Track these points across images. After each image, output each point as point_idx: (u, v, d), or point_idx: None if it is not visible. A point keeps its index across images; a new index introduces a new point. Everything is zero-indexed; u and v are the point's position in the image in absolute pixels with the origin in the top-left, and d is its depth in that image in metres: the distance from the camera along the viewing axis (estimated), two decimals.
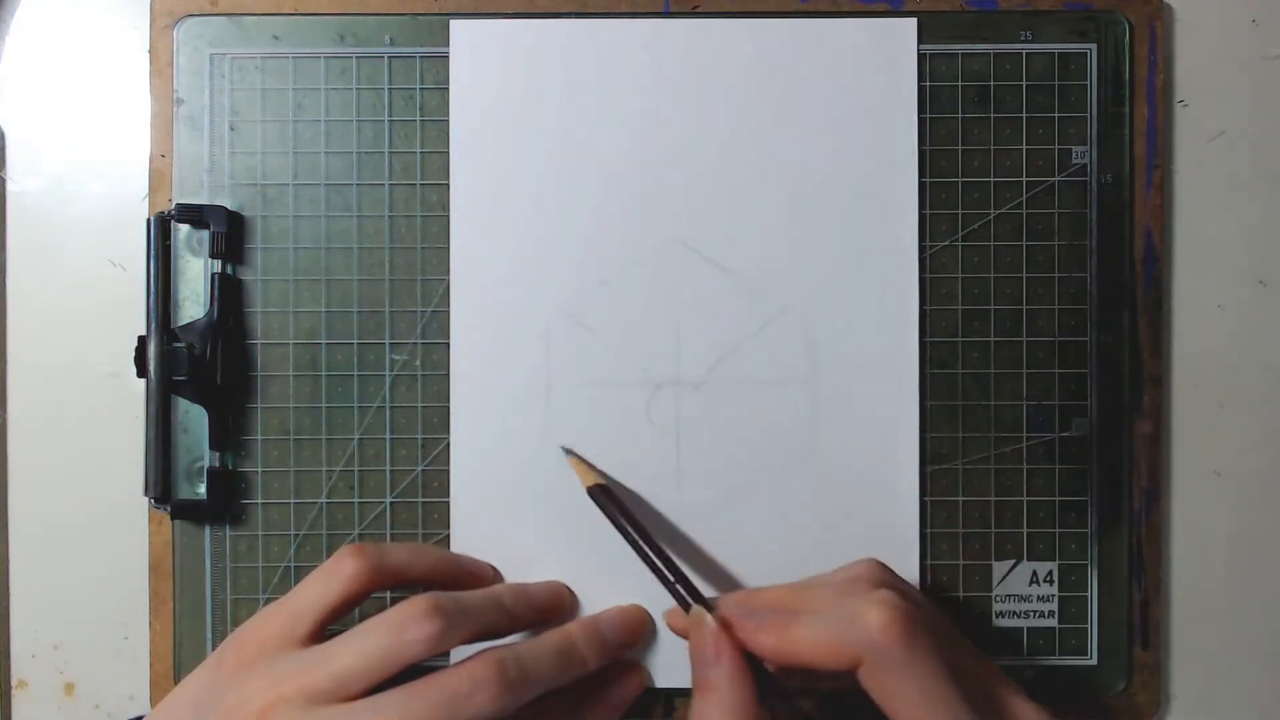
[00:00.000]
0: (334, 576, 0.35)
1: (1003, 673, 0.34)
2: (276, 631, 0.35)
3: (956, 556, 0.40)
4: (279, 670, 0.34)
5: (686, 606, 0.35)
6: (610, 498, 0.37)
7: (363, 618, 0.35)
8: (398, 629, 0.34)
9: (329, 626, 0.35)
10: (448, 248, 0.40)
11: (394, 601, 0.36)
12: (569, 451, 0.40)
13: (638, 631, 0.39)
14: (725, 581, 0.40)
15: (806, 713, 0.39)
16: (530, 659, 0.35)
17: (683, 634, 0.38)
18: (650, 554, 0.36)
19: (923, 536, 0.40)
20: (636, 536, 0.36)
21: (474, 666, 0.34)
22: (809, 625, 0.32)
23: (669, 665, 0.40)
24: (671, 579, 0.35)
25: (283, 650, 0.34)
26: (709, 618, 0.34)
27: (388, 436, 0.40)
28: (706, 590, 0.39)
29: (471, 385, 0.40)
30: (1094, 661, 0.40)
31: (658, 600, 0.40)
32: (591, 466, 0.40)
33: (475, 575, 0.39)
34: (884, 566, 0.36)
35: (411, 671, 0.34)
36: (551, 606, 0.39)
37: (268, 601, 0.40)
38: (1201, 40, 0.41)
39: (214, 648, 0.40)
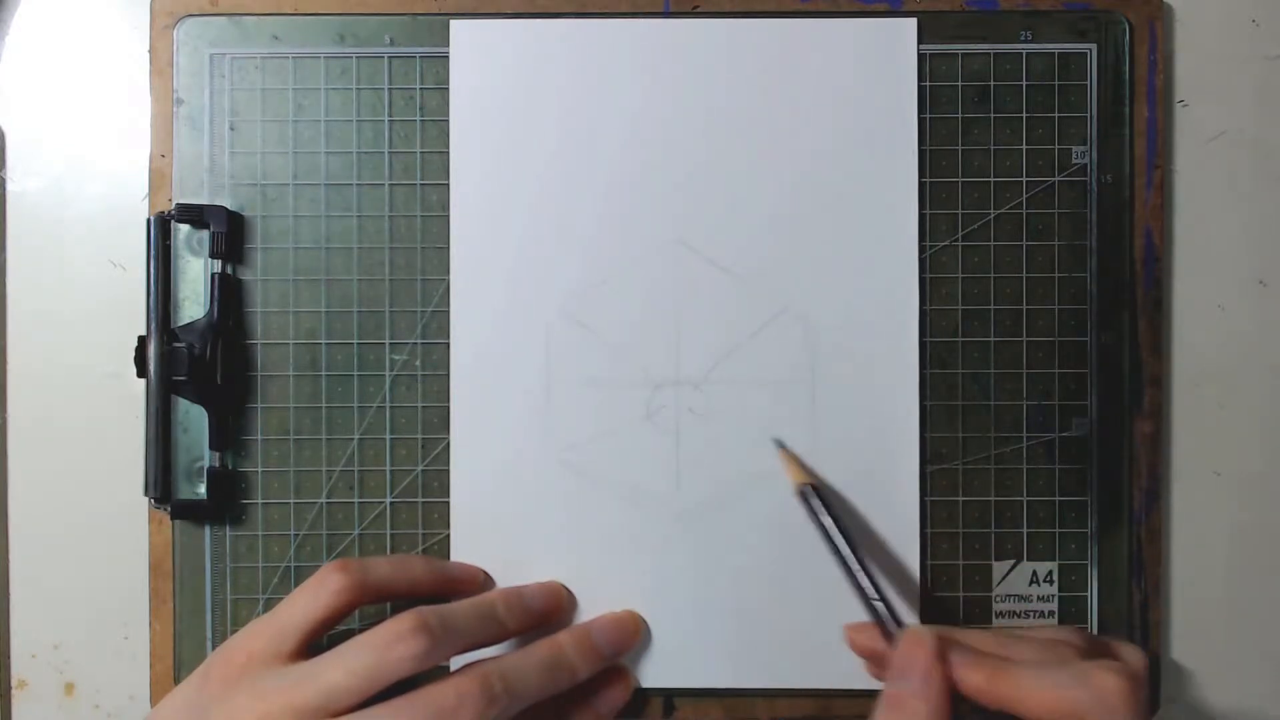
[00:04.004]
0: (319, 592, 0.35)
1: None
2: (262, 647, 0.35)
3: (956, 556, 0.40)
4: (266, 686, 0.34)
5: (886, 624, 0.35)
6: (822, 499, 0.37)
7: (364, 627, 0.35)
8: (384, 646, 0.34)
9: (314, 642, 0.35)
10: (448, 248, 0.40)
11: (394, 612, 0.36)
12: (780, 445, 0.39)
13: (631, 638, 0.39)
14: (726, 581, 0.40)
15: None
16: (517, 672, 0.35)
17: (865, 652, 0.38)
18: (859, 567, 0.35)
19: (923, 536, 0.40)
20: (847, 546, 0.36)
21: (460, 681, 0.34)
22: (1034, 673, 0.32)
23: (668, 665, 0.40)
24: (874, 596, 0.35)
25: (269, 666, 0.34)
26: (931, 639, 0.33)
27: (388, 436, 0.40)
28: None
29: (471, 385, 0.40)
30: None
31: (654, 603, 0.40)
32: (803, 465, 0.39)
33: (464, 583, 0.39)
34: (1084, 634, 0.36)
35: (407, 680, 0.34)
36: (548, 609, 0.39)
37: (268, 601, 0.40)
38: (1201, 40, 0.41)
39: (214, 648, 0.40)
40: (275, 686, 0.34)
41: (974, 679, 0.33)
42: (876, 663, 0.38)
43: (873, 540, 0.40)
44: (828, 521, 0.36)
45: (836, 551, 0.36)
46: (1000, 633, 0.36)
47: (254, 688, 0.34)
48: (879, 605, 0.35)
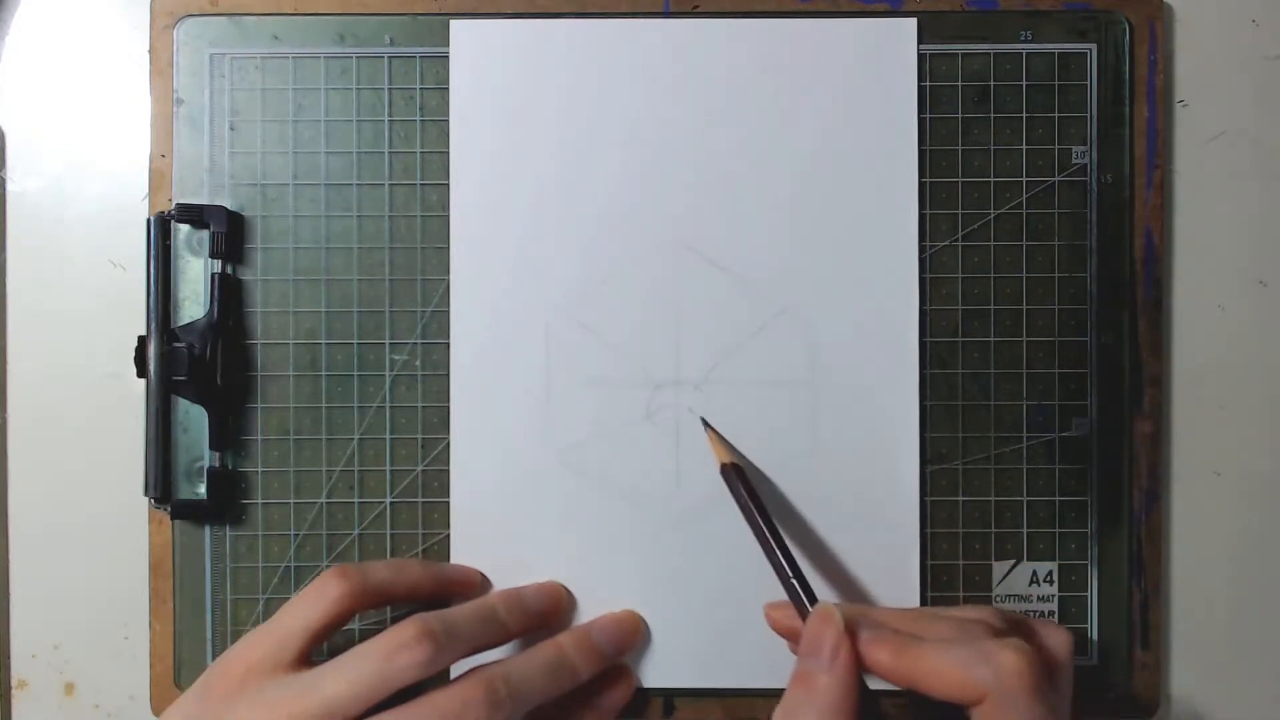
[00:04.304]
0: (318, 599, 0.35)
1: None
2: (263, 657, 0.35)
3: (956, 556, 0.40)
4: (268, 697, 0.34)
5: (800, 602, 0.35)
6: (742, 479, 0.37)
7: (363, 636, 0.35)
8: (388, 655, 0.34)
9: (315, 650, 0.35)
10: (448, 248, 0.40)
11: (394, 619, 0.36)
12: (707, 425, 0.40)
13: (631, 638, 0.39)
14: (726, 581, 0.40)
15: None
16: (520, 675, 0.35)
17: (783, 630, 0.38)
18: (774, 545, 0.36)
19: (923, 536, 0.40)
20: (762, 524, 0.36)
21: (464, 687, 0.34)
22: (937, 650, 0.32)
23: (668, 665, 0.40)
24: (790, 573, 0.35)
25: (270, 676, 0.34)
26: (839, 616, 0.33)
27: (388, 436, 0.40)
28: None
29: (471, 385, 0.40)
30: (1094, 661, 0.40)
31: (654, 603, 0.40)
32: (728, 444, 0.39)
33: (463, 585, 0.39)
34: (1003, 615, 0.36)
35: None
36: (548, 610, 0.39)
37: (268, 602, 0.40)
38: (1201, 40, 0.41)
39: (214, 648, 0.40)
40: (278, 697, 0.34)
41: (881, 656, 0.32)
42: (795, 640, 0.38)
43: (880, 549, 0.40)
44: (745, 500, 0.37)
45: (755, 528, 0.36)
46: (917, 611, 0.36)
47: (256, 699, 0.34)
48: (793, 583, 0.35)
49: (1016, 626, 0.35)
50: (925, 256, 0.40)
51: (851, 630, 0.33)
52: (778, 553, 0.36)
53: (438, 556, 0.40)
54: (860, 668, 0.32)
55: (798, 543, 0.40)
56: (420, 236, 0.40)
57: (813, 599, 0.35)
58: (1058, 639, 0.35)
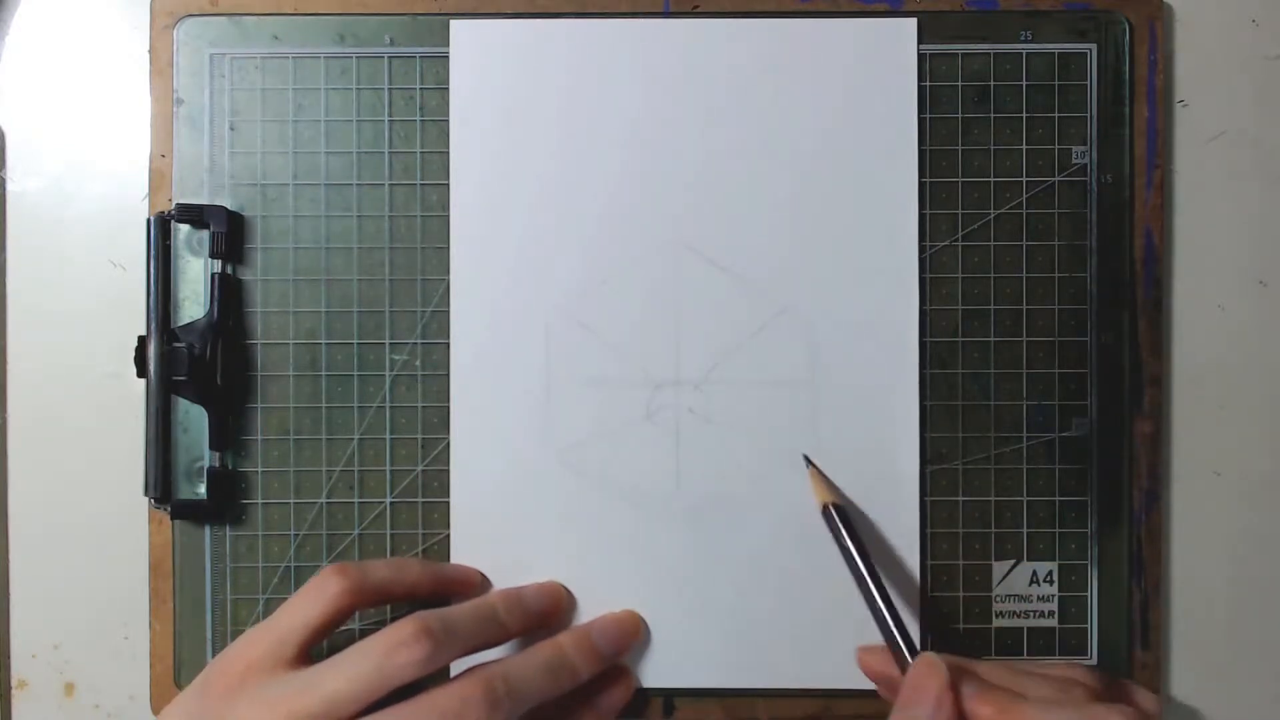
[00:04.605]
0: (318, 597, 0.35)
1: None
2: (262, 654, 0.35)
3: (956, 556, 0.40)
4: (268, 695, 0.34)
5: (899, 651, 0.35)
6: (844, 520, 0.37)
7: (363, 635, 0.35)
8: (387, 652, 0.34)
9: (314, 647, 0.35)
10: (448, 248, 0.40)
11: (394, 619, 0.36)
12: (809, 462, 0.39)
13: (631, 638, 0.39)
14: (727, 581, 0.40)
15: None
16: (519, 675, 0.35)
17: (876, 676, 0.38)
18: (874, 591, 0.35)
19: (923, 536, 0.40)
20: (864, 569, 0.36)
21: (463, 685, 0.34)
22: (1044, 712, 0.32)
23: (667, 665, 0.40)
24: (891, 622, 0.35)
25: (270, 673, 0.34)
26: (944, 668, 0.33)
27: (388, 436, 0.40)
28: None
29: (471, 385, 0.40)
30: (1094, 661, 0.40)
31: (654, 603, 0.40)
32: (830, 483, 0.39)
33: (463, 584, 0.39)
34: (1096, 675, 0.36)
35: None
36: (547, 609, 0.39)
37: (268, 602, 0.40)
38: (1201, 40, 0.41)
39: (214, 648, 0.40)
40: (277, 695, 0.34)
41: (984, 712, 0.32)
42: (886, 686, 0.38)
43: (880, 550, 0.40)
44: (849, 544, 0.36)
45: (855, 571, 0.36)
46: (1014, 667, 0.36)
47: (255, 696, 0.34)
48: (894, 631, 0.35)
49: (1111, 689, 0.36)
50: (925, 256, 0.40)
51: (953, 683, 0.33)
52: (878, 599, 0.35)
53: (438, 556, 0.40)
54: None
55: (796, 543, 0.40)
56: (420, 236, 0.40)
57: (913, 649, 0.35)
58: (1151, 704, 0.36)
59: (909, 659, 0.34)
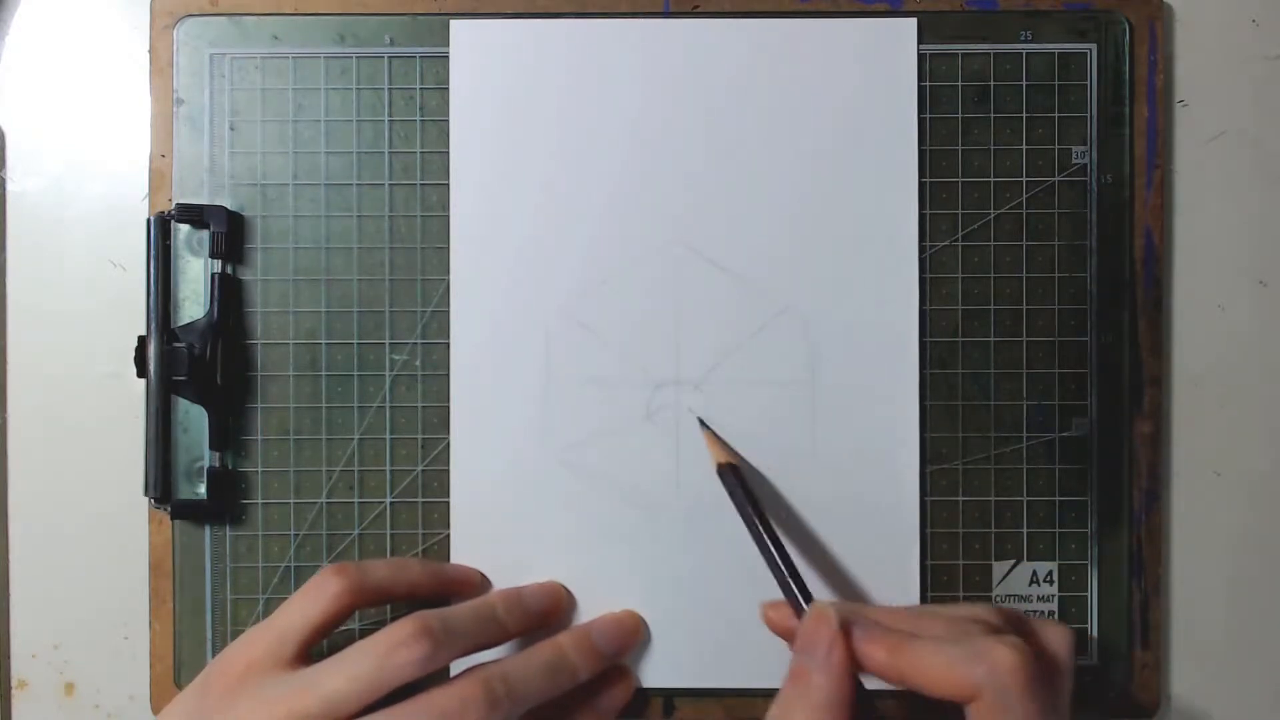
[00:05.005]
0: (317, 597, 0.35)
1: None
2: (262, 654, 0.35)
3: (956, 556, 0.40)
4: (268, 694, 0.34)
5: (796, 601, 0.35)
6: (739, 479, 0.37)
7: (363, 634, 0.35)
8: (386, 652, 0.34)
9: (314, 647, 0.35)
10: (448, 248, 0.40)
11: (394, 618, 0.36)
12: (704, 424, 0.40)
13: (631, 638, 0.39)
14: (727, 581, 0.40)
15: None
16: (519, 675, 0.35)
17: (780, 630, 0.38)
18: (770, 545, 0.36)
19: (923, 536, 0.40)
20: (758, 524, 0.36)
21: (463, 685, 0.34)
22: (931, 648, 0.32)
23: (668, 665, 0.40)
24: (786, 573, 0.35)
25: (270, 673, 0.34)
26: (833, 614, 0.33)
27: (388, 436, 0.40)
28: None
29: (471, 385, 0.40)
30: (1094, 661, 0.40)
31: (654, 603, 0.40)
32: (725, 444, 0.39)
33: (463, 584, 0.39)
34: (1002, 612, 0.35)
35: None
36: (547, 609, 0.39)
37: (268, 602, 0.40)
38: (1201, 40, 0.41)
39: (214, 648, 0.40)
40: (277, 694, 0.34)
41: (875, 653, 0.32)
42: (792, 640, 0.38)
43: (880, 549, 0.40)
44: (741, 501, 0.37)
45: (752, 529, 0.36)
46: (914, 609, 0.36)
47: (255, 696, 0.34)
48: (789, 583, 0.35)
49: (1015, 624, 0.35)
50: (925, 256, 0.40)
51: (846, 628, 0.33)
52: (774, 552, 0.36)
53: (438, 556, 0.40)
54: (855, 666, 0.32)
55: (797, 543, 0.40)
56: (420, 236, 0.40)
57: (808, 598, 0.35)
58: (1057, 636, 0.35)
59: (805, 609, 0.34)
